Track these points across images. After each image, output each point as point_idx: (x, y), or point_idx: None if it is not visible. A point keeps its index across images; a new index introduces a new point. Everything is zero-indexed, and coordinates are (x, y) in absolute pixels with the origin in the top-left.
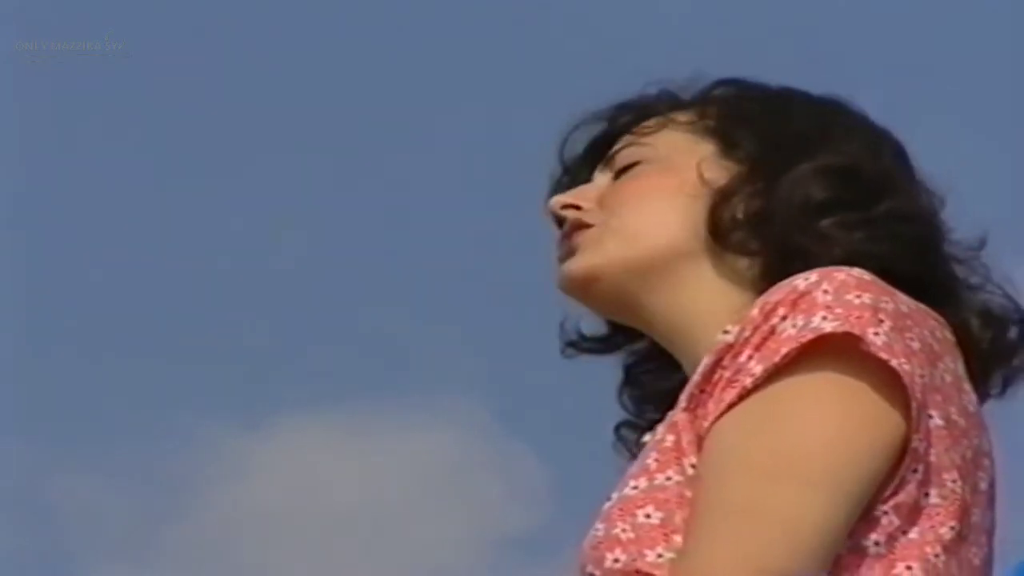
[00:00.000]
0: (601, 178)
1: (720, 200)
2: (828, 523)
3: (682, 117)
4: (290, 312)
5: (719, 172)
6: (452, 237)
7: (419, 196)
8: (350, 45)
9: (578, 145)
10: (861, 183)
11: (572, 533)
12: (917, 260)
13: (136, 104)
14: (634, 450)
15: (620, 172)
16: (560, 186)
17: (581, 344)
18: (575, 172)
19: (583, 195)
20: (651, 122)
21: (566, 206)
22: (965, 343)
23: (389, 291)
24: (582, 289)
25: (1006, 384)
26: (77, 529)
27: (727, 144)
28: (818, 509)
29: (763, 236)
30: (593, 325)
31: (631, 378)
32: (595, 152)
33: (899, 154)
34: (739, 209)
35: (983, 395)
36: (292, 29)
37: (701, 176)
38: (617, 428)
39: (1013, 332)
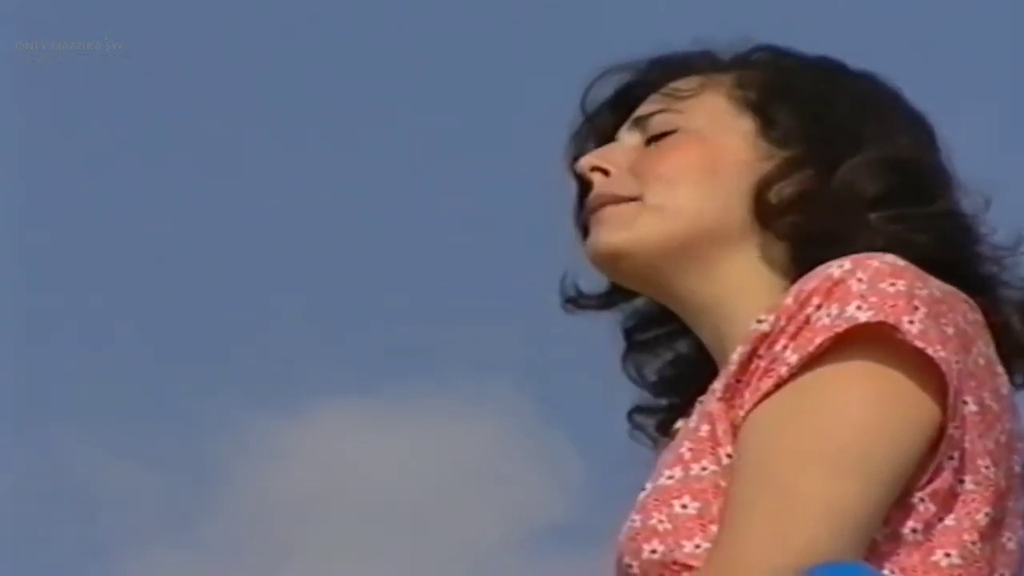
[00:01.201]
0: (630, 138)
1: (766, 184)
2: (863, 509)
3: (720, 84)
4: (326, 297)
5: (759, 152)
6: (494, 220)
7: (450, 180)
8: (350, 44)
9: (603, 95)
10: (919, 178)
11: (608, 525)
12: (954, 252)
13: (136, 104)
14: (653, 435)
15: (653, 138)
16: (580, 137)
17: (580, 300)
18: (597, 123)
19: (612, 157)
20: (687, 86)
21: (594, 168)
22: (1001, 335)
23: (429, 275)
24: (611, 264)
25: None
26: (113, 514)
27: (768, 122)
28: (853, 495)
29: (810, 224)
30: (592, 282)
31: (636, 345)
32: (622, 105)
33: (940, 141)
34: (787, 194)
35: (1014, 383)
36: (292, 29)
37: (741, 156)
38: (630, 415)
39: None
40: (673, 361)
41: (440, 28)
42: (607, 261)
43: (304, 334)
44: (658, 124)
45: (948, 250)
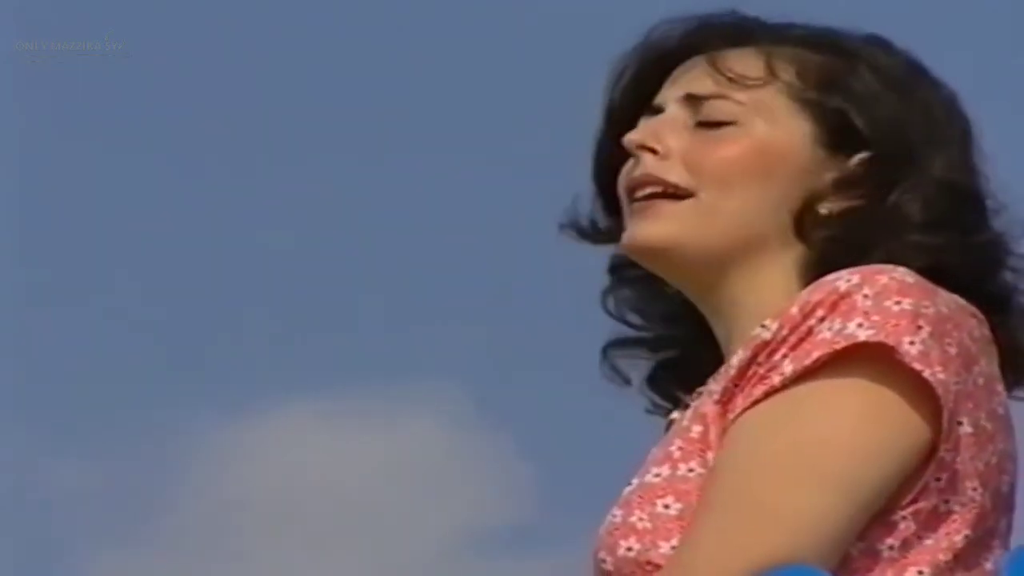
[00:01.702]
0: (679, 112)
1: (817, 199)
2: (832, 526)
3: (784, 70)
4: (277, 300)
5: (816, 159)
6: (445, 225)
7: (406, 186)
8: (351, 44)
9: (644, 62)
10: (969, 205)
11: (554, 528)
12: (983, 276)
13: (136, 104)
14: (654, 399)
15: (707, 124)
16: (618, 90)
17: (591, 234)
18: (639, 82)
19: (659, 135)
20: (750, 73)
21: (642, 146)
22: (1008, 351)
23: (375, 278)
24: (652, 256)
25: None
26: (64, 515)
27: (827, 128)
28: (823, 510)
29: (846, 240)
30: (598, 217)
31: (623, 282)
32: (668, 65)
33: (981, 145)
34: (835, 207)
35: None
36: (292, 28)
37: (797, 162)
38: (605, 349)
39: None
40: (659, 308)
41: (442, 28)
42: (649, 253)
43: (258, 335)
44: (715, 111)
45: (978, 276)
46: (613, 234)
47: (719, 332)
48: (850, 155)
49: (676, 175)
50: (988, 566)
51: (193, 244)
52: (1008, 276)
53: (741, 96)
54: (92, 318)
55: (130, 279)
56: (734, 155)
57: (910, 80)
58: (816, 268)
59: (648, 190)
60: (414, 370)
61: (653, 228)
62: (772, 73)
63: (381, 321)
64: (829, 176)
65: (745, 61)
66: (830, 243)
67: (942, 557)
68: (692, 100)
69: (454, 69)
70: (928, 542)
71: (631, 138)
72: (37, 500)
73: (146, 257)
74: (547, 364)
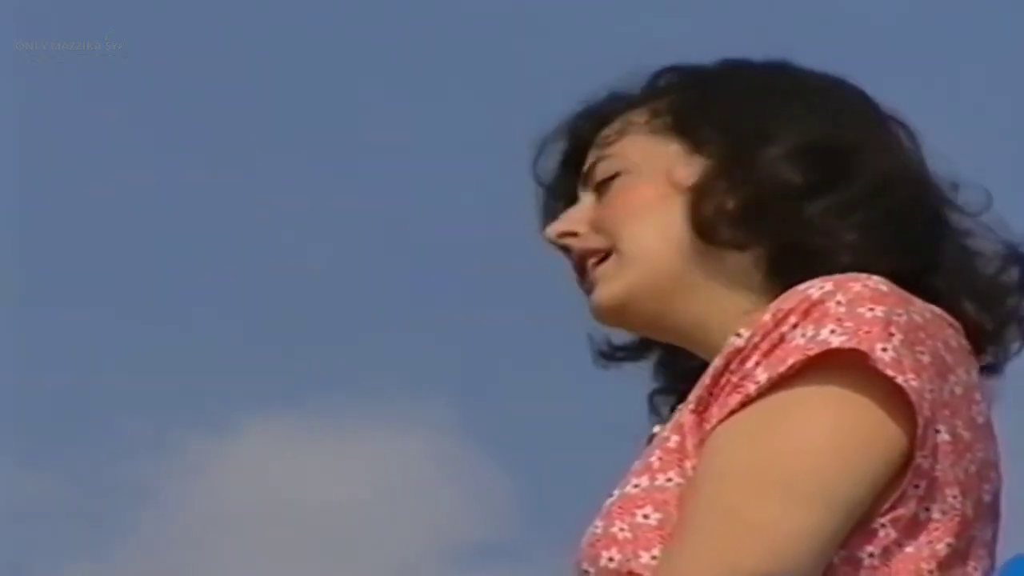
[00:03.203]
0: (585, 197)
1: (696, 199)
2: (812, 534)
3: (638, 118)
4: (257, 312)
5: (692, 171)
6: (434, 238)
7: (390, 193)
8: (351, 44)
9: (551, 163)
10: (829, 158)
11: (535, 543)
12: (914, 237)
13: (136, 104)
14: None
15: (599, 187)
16: (548, 210)
17: (613, 354)
18: (558, 192)
19: (574, 220)
20: (611, 129)
21: (562, 234)
22: (967, 329)
23: (360, 290)
24: (614, 318)
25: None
26: (33, 530)
27: (689, 140)
28: (802, 520)
29: (750, 229)
30: (621, 336)
31: (668, 349)
32: (570, 168)
33: (859, 109)
34: (718, 203)
35: (996, 366)
36: (293, 28)
37: (676, 178)
38: (651, 396)
39: (1012, 300)
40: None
41: (443, 29)
42: (610, 316)
43: (238, 349)
44: (598, 174)
45: (909, 238)
46: (639, 342)
47: (708, 357)
48: (713, 154)
49: (594, 241)
50: (975, 575)
51: (192, 242)
52: (954, 235)
53: (612, 150)
54: (72, 327)
55: (123, 280)
56: (624, 198)
57: (741, 72)
58: (761, 271)
59: (589, 264)
60: (393, 385)
61: (598, 294)
62: (629, 123)
63: (363, 335)
64: (698, 178)
65: (610, 126)
66: (737, 237)
67: (925, 566)
68: (585, 178)
69: (454, 79)
70: (909, 550)
71: (548, 232)
72: (7, 511)
73: (145, 255)
74: (527, 381)
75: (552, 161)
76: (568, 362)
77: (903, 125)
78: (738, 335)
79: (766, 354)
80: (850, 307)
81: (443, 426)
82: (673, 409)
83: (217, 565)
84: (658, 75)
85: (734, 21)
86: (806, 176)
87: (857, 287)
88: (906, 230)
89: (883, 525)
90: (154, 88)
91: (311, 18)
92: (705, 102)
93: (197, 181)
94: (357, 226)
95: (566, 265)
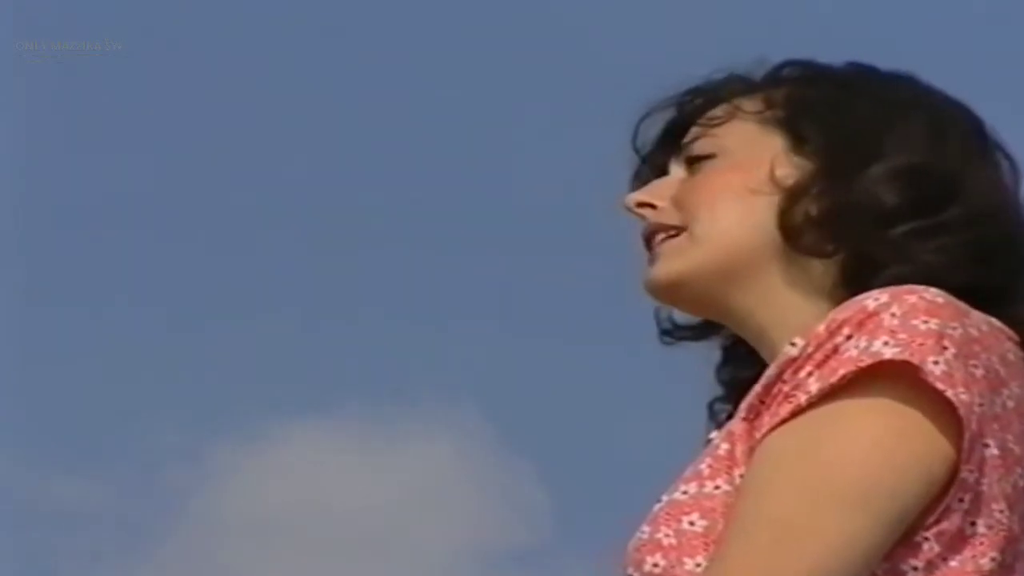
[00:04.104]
0: (676, 170)
1: (789, 201)
2: (860, 548)
3: (750, 105)
4: (288, 319)
5: (790, 169)
6: (466, 243)
7: (409, 195)
8: (351, 44)
9: (652, 133)
10: (931, 184)
11: (568, 551)
12: (994, 265)
13: (136, 104)
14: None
15: (692, 164)
16: (639, 177)
17: (676, 332)
18: (652, 161)
19: (658, 192)
20: (720, 111)
21: (641, 204)
22: None
23: (393, 298)
24: (668, 294)
25: None
26: (69, 536)
27: (796, 138)
28: (851, 531)
29: (835, 239)
30: (684, 316)
31: (728, 357)
32: (669, 139)
33: (971, 136)
34: (809, 209)
35: None
36: (292, 28)
37: (773, 174)
38: (711, 404)
39: None
40: (746, 373)
41: (444, 29)
42: (664, 292)
43: (265, 357)
44: (695, 150)
45: (987, 266)
46: (703, 323)
47: (763, 355)
48: (817, 158)
49: (670, 217)
50: None
51: (192, 242)
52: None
53: (716, 131)
54: (96, 332)
55: (130, 281)
56: (713, 181)
57: (866, 79)
58: (832, 279)
59: (656, 239)
60: (429, 393)
61: (657, 268)
62: (738, 108)
63: (395, 342)
64: (796, 180)
65: (721, 107)
66: (816, 247)
67: None
68: (681, 152)
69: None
70: (954, 564)
71: (626, 200)
72: (37, 522)
73: (146, 258)
74: (565, 390)
75: (653, 130)
76: (600, 367)
77: (1009, 158)
78: (792, 344)
79: (819, 365)
80: (904, 319)
81: (476, 432)
82: (730, 416)
83: (252, 572)
84: (781, 66)
85: (754, 22)
86: (901, 198)
87: (913, 299)
88: (985, 259)
89: (927, 539)
90: (154, 88)
91: (311, 17)
92: (820, 103)
93: (197, 181)
94: (381, 231)
95: (635, 233)
